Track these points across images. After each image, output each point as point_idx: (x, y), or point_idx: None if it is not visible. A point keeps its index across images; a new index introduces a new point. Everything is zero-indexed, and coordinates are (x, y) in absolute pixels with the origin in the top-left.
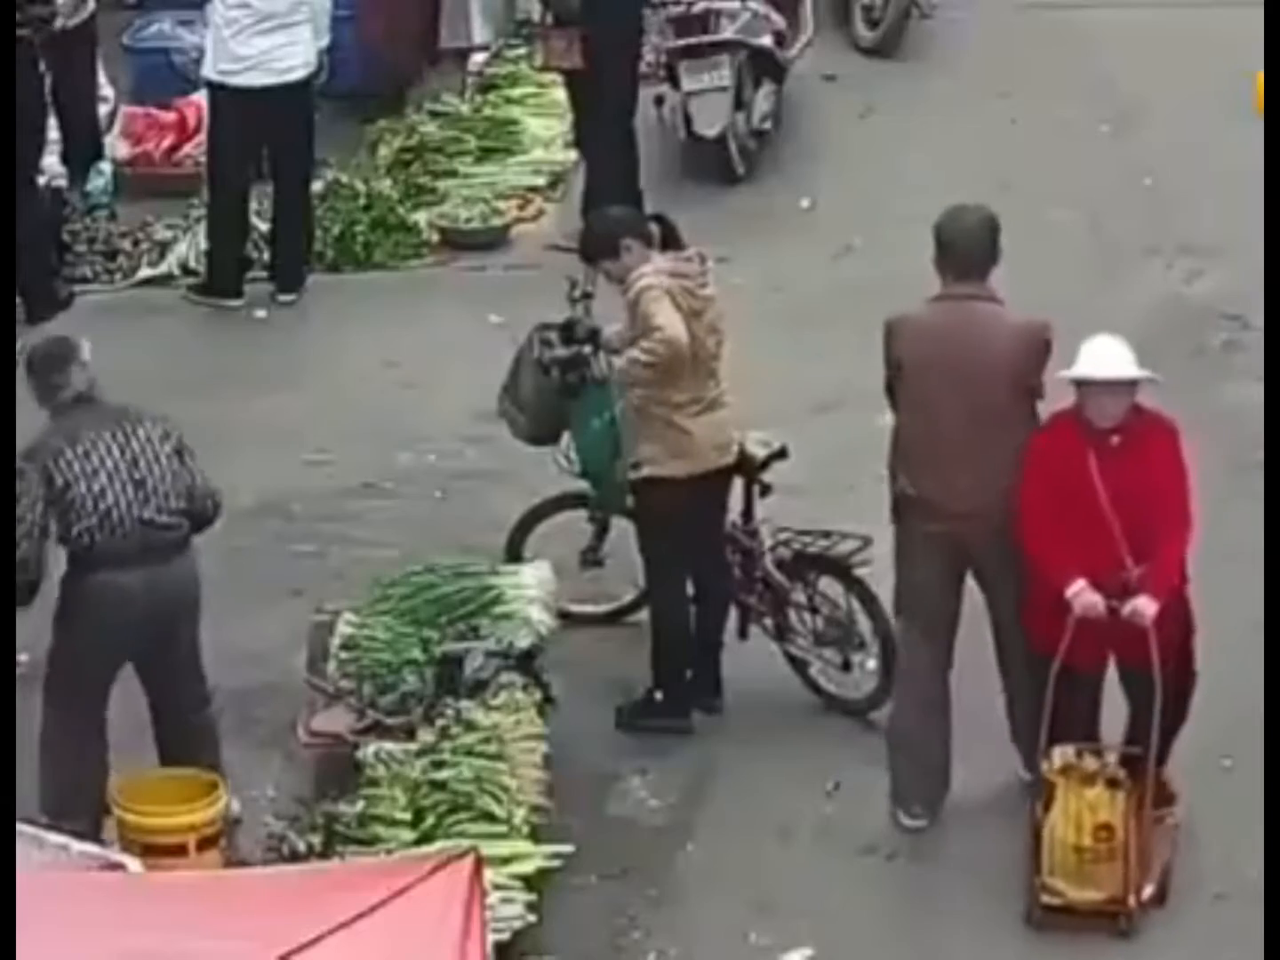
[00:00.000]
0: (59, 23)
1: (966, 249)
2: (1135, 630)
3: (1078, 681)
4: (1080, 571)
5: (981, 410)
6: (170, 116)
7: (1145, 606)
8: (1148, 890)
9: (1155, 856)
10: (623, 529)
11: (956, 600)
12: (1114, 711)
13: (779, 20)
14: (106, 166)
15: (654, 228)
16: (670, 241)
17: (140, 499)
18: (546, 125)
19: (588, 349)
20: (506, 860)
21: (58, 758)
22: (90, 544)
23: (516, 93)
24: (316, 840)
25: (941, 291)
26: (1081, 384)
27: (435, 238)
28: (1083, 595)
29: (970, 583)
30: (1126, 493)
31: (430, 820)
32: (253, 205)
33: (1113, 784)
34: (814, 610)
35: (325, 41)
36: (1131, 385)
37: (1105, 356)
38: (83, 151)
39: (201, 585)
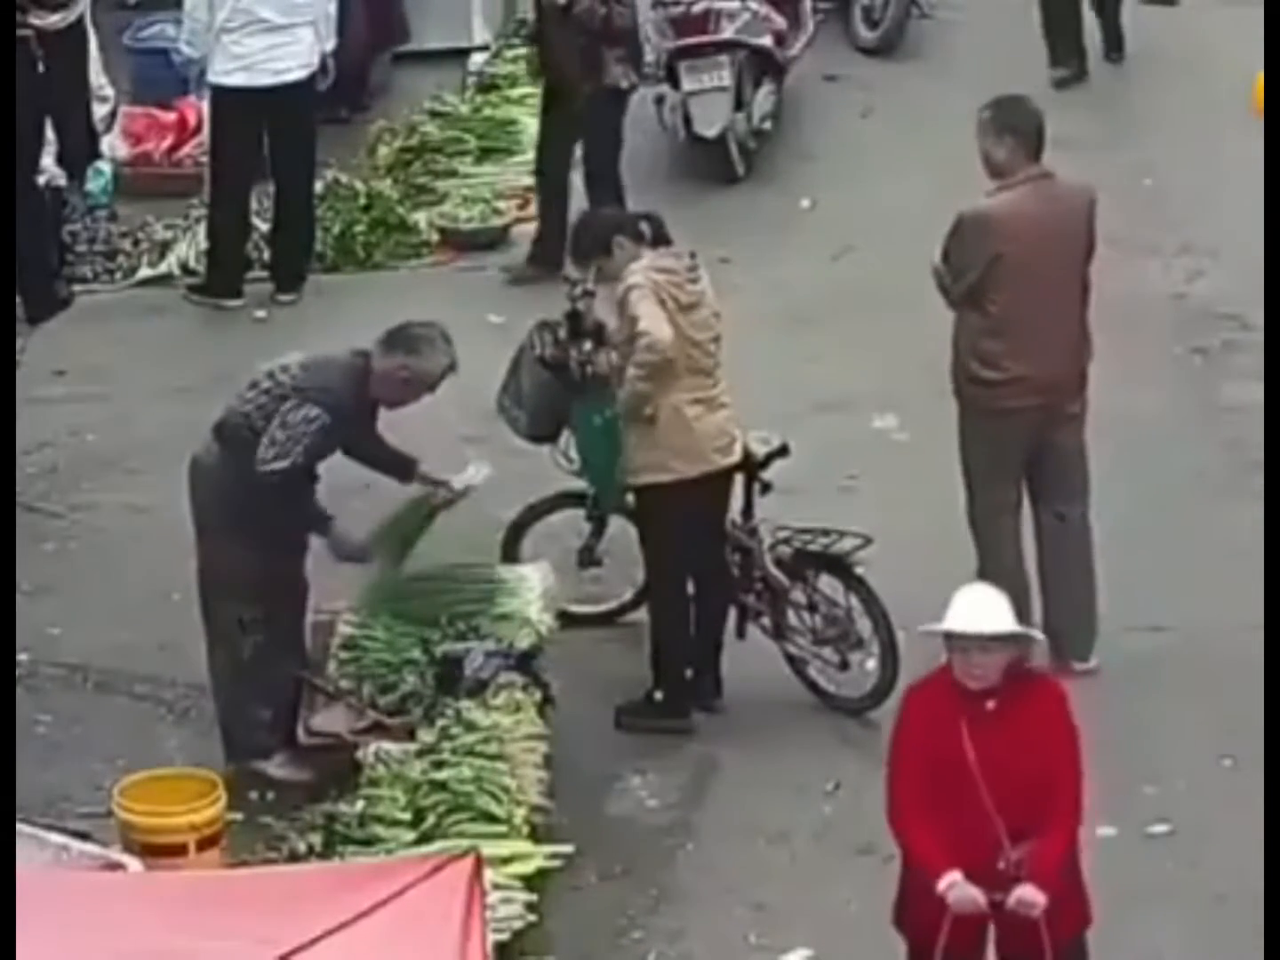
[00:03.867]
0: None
1: (1036, 129)
2: (1022, 923)
3: None
4: (953, 858)
5: (1073, 277)
6: (170, 116)
7: (1033, 896)
8: None
9: None
10: (620, 527)
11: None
12: None
13: (779, 20)
14: (106, 166)
15: (645, 226)
16: (659, 239)
17: None
18: None
19: (589, 345)
20: (506, 860)
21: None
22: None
23: (516, 93)
24: (316, 840)
25: (1019, 176)
26: (951, 639)
27: (435, 238)
28: (957, 889)
29: None
30: (1003, 764)
31: (430, 820)
32: (253, 205)
33: None
34: (813, 609)
35: (331, 45)
36: (1006, 642)
37: (977, 609)
38: (77, 152)
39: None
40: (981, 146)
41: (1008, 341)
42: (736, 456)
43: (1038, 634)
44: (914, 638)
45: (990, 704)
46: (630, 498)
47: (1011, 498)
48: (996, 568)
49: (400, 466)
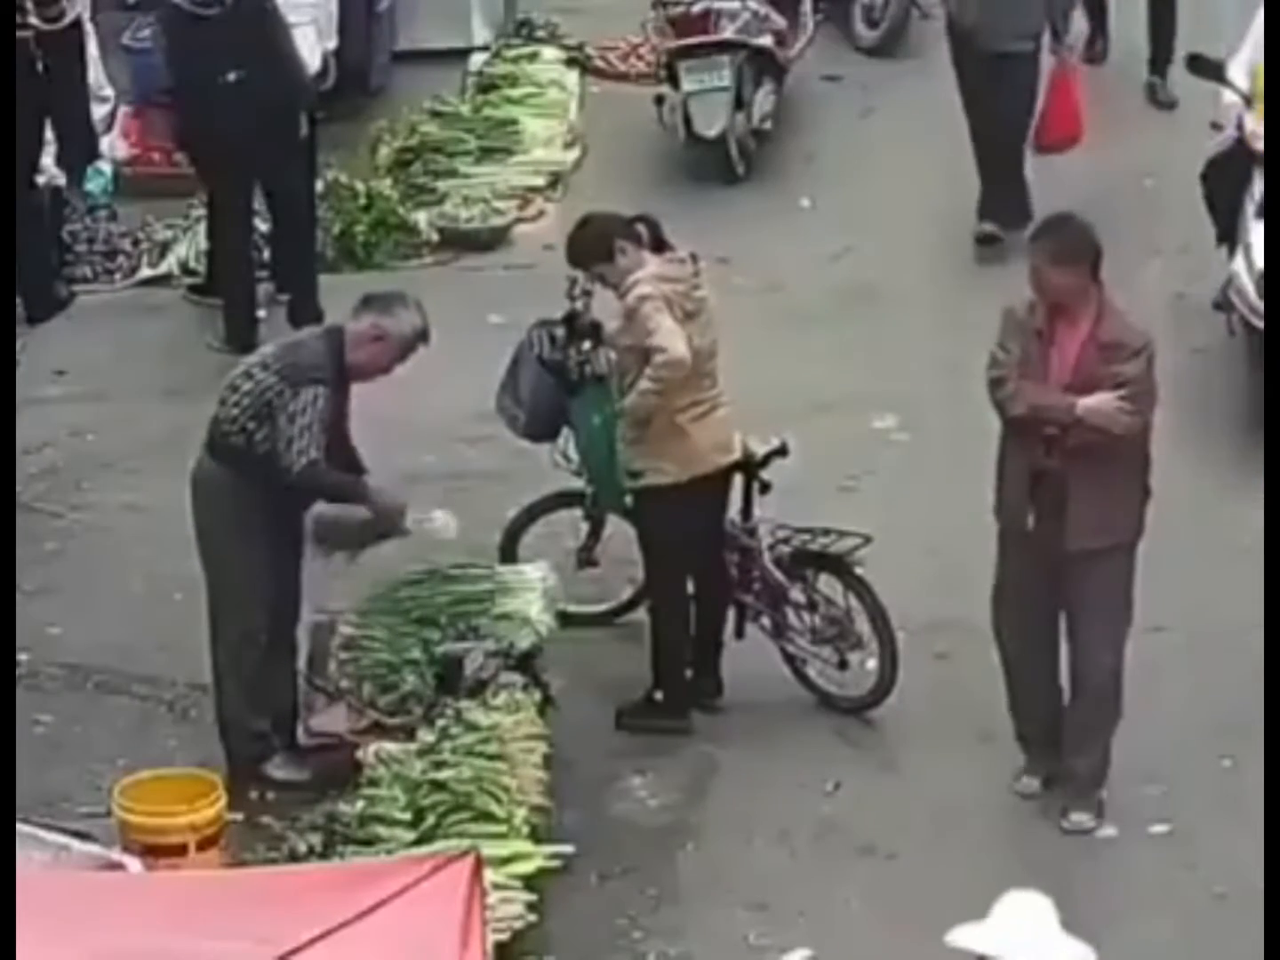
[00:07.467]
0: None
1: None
2: None
3: None
4: None
5: None
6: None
7: None
8: None
9: None
10: (619, 527)
11: None
12: None
13: (779, 20)
14: (106, 166)
15: (641, 228)
16: (657, 242)
17: None
18: (546, 125)
19: (587, 344)
20: (506, 860)
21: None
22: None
23: (516, 93)
24: (316, 840)
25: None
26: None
27: (435, 238)
28: None
29: None
30: None
31: (430, 820)
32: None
33: None
34: (812, 608)
35: (332, 44)
36: None
37: (1023, 926)
38: (76, 152)
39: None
40: (1077, 276)
41: None
42: (735, 455)
43: (1091, 956)
44: (914, 637)
45: None
46: (629, 498)
47: None
48: None
49: (353, 469)
